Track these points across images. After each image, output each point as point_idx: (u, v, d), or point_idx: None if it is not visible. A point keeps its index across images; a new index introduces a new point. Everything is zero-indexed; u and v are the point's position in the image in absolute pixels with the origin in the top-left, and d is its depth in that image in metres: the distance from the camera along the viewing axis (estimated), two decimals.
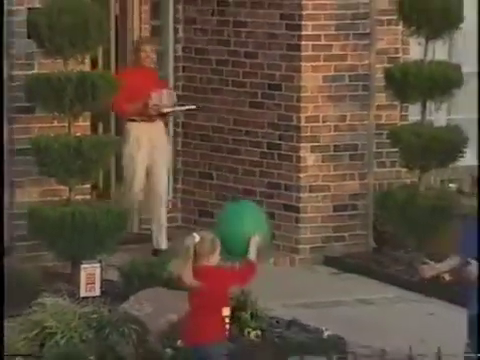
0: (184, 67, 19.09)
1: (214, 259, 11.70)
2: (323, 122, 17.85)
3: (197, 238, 11.80)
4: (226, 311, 11.81)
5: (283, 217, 18.00)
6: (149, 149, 16.49)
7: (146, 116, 16.30)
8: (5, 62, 16.22)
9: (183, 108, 17.21)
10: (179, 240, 15.77)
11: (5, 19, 16.14)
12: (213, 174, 18.68)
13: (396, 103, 17.48)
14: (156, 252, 16.28)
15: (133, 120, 16.39)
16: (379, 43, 17.64)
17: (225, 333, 11.91)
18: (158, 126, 16.62)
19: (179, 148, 19.12)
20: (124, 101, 16.12)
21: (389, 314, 15.23)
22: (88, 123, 16.40)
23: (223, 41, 18.71)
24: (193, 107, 17.27)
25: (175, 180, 19.14)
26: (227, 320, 11.81)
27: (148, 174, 16.58)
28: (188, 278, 11.60)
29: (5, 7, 16.12)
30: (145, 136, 16.42)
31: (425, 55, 17.02)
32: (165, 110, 16.43)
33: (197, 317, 11.76)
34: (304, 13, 17.59)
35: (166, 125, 16.80)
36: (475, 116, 18.05)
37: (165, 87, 16.84)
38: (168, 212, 18.30)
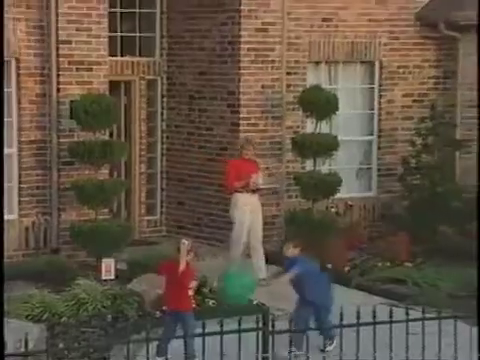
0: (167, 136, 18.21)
1: (189, 257, 11.92)
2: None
3: (186, 243, 12.02)
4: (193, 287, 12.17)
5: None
6: (250, 212, 15.27)
7: (247, 190, 15.23)
8: (54, 134, 16.00)
9: (269, 186, 16.22)
10: (165, 244, 16.87)
11: (54, 105, 15.88)
12: (185, 202, 17.92)
13: (298, 158, 17.05)
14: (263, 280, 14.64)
15: (239, 192, 15.22)
16: (287, 121, 17.22)
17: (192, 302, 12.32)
18: (255, 197, 15.43)
19: (164, 186, 18.37)
20: (234, 180, 15.22)
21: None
22: (107, 171, 16.24)
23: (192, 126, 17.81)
24: (274, 186, 16.48)
25: (161, 205, 18.43)
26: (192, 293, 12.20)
27: (250, 229, 15.32)
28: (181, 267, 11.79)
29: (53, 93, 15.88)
30: (248, 204, 15.25)
31: (315, 129, 16.65)
32: (259, 186, 15.42)
33: (175, 291, 12.03)
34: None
35: (259, 196, 15.54)
36: (348, 166, 18.06)
37: (258, 172, 15.48)
38: (155, 226, 18.20)
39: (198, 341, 9.91)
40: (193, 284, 12.17)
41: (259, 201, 15.43)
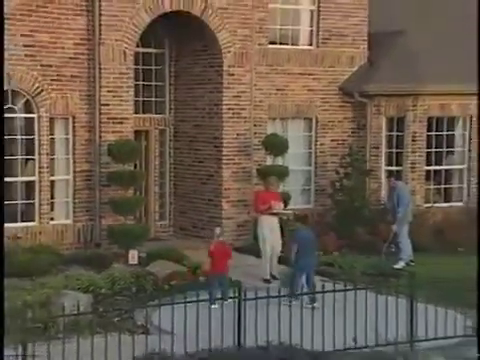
0: (173, 168, 17.67)
1: (221, 239, 12.78)
2: None
3: (218, 230, 13.03)
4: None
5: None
6: (271, 231, 14.19)
7: (269, 213, 14.24)
8: (97, 166, 15.62)
9: (287, 212, 14.97)
10: (171, 240, 16.75)
11: (97, 146, 15.60)
12: (186, 212, 17.49)
13: (262, 182, 15.71)
14: (267, 281, 13.83)
15: (263, 214, 14.23)
16: (255, 157, 16.88)
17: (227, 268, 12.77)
18: (275, 219, 14.31)
19: (171, 201, 17.82)
20: (260, 205, 14.26)
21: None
22: (132, 191, 16.01)
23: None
24: (289, 212, 15.11)
25: (169, 214, 17.88)
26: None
27: (272, 242, 14.15)
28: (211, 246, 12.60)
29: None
30: (270, 224, 14.21)
31: (273, 162, 16.61)
32: (278, 211, 14.38)
33: (217, 262, 12.59)
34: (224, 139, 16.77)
35: (279, 218, 14.48)
36: (295, 187, 17.61)
37: (279, 199, 14.54)
38: (165, 228, 17.70)
39: (194, 305, 9.86)
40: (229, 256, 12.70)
41: (278, 222, 14.43)
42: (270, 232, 14.29)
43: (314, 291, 11.00)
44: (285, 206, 14.94)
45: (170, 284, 13.14)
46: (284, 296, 10.14)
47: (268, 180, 14.89)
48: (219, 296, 11.53)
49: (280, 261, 14.35)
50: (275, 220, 14.42)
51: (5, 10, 14.25)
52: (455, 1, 19.59)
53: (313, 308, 10.83)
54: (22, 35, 14.89)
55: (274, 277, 13.99)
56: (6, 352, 8.87)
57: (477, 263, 11.61)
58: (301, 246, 12.67)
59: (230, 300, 10.27)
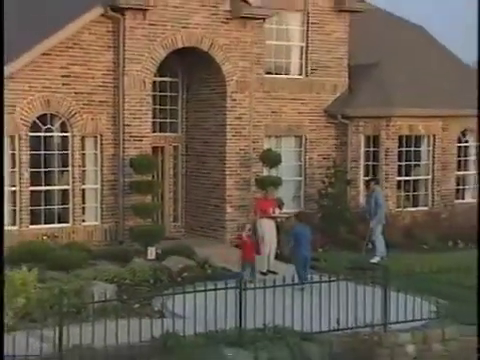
0: (185, 178, 17.44)
1: (250, 233, 13.02)
2: None
3: (248, 227, 13.30)
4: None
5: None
6: (270, 232, 14.06)
7: (268, 217, 14.10)
8: (121, 176, 15.42)
9: (283, 216, 14.67)
10: (183, 239, 16.48)
11: (121, 160, 15.40)
12: (196, 215, 17.27)
13: (259, 190, 15.91)
14: (264, 273, 13.57)
15: (263, 218, 14.10)
16: (253, 169, 16.70)
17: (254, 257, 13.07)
18: (272, 222, 14.17)
19: (183, 206, 17.57)
20: (260, 210, 14.24)
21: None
22: (150, 197, 15.76)
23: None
24: (285, 216, 14.73)
25: (181, 217, 17.60)
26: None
27: (270, 240, 13.99)
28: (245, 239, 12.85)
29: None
30: (269, 226, 14.09)
31: (269, 173, 16.55)
32: (275, 215, 14.27)
33: (245, 251, 12.86)
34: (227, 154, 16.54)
35: (276, 221, 14.28)
36: (287, 194, 17.21)
37: (276, 206, 14.43)
38: (178, 229, 17.43)
39: (202, 293, 9.75)
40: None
41: (275, 224, 14.29)
42: (269, 232, 14.21)
43: (293, 283, 10.82)
44: (280, 210, 14.86)
45: (182, 276, 13.14)
46: (279, 286, 10.05)
47: (267, 190, 14.91)
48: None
49: (276, 257, 14.33)
50: (272, 222, 14.35)
51: (45, 48, 14.51)
52: (419, 41, 19.88)
53: (302, 289, 10.76)
54: (60, 68, 14.95)
55: (270, 271, 13.88)
56: (45, 332, 8.93)
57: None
58: (297, 239, 12.81)
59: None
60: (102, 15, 15.07)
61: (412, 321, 10.61)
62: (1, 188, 9.37)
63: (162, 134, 17.33)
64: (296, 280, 11.71)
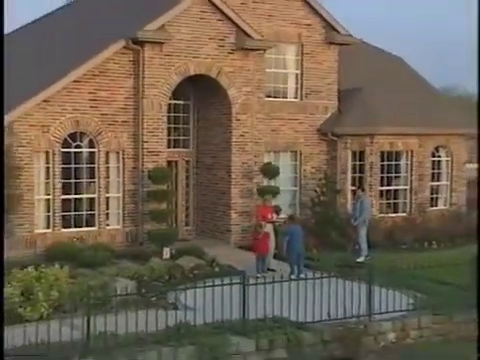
0: (195, 188, 17.26)
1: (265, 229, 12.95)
2: None
3: (264, 224, 13.18)
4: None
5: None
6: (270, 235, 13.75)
7: (267, 221, 13.78)
8: (140, 186, 15.27)
9: (280, 220, 14.38)
10: (194, 240, 16.25)
11: (140, 172, 15.26)
12: (205, 220, 17.11)
13: (260, 197, 15.67)
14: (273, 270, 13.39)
15: (263, 222, 13.69)
16: (255, 179, 16.53)
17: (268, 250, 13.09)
18: (271, 226, 13.89)
19: (194, 212, 17.39)
20: (260, 215, 14.05)
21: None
22: (165, 204, 15.44)
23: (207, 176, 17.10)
24: (282, 221, 14.42)
25: (193, 221, 17.40)
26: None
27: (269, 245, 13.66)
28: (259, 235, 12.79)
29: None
30: (268, 229, 13.74)
31: (268, 183, 16.46)
32: (273, 220, 14.05)
33: (261, 244, 12.84)
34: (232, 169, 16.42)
35: (274, 225, 14.04)
36: (284, 202, 17.04)
37: (273, 212, 14.23)
38: (190, 231, 17.24)
39: (210, 288, 9.66)
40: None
41: (273, 227, 14.09)
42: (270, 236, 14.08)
43: (290, 279, 10.79)
44: (278, 215, 14.78)
45: (193, 273, 13.10)
46: (278, 282, 9.96)
47: (265, 198, 14.92)
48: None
49: (274, 257, 14.21)
50: (271, 226, 14.27)
51: (75, 76, 14.51)
52: (399, 70, 19.83)
53: (297, 280, 10.71)
54: (88, 92, 14.99)
55: (270, 269, 13.72)
56: (75, 321, 8.88)
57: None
58: (292, 237, 12.82)
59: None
60: (124, 47, 15.18)
61: (393, 312, 10.59)
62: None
63: (176, 149, 17.25)
64: (292, 276, 11.85)
